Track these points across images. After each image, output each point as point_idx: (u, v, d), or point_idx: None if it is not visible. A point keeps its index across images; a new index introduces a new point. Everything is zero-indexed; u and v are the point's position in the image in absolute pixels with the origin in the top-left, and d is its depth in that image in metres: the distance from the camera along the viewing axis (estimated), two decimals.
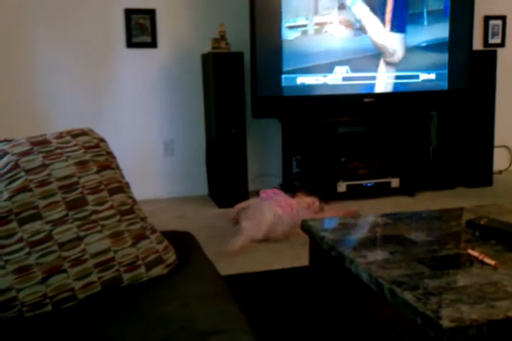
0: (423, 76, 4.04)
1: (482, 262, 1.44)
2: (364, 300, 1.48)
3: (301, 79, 3.84)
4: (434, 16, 3.95)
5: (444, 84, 4.10)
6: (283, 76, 3.80)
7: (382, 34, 3.87)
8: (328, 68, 3.86)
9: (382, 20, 3.86)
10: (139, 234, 1.46)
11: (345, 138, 4.01)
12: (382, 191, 4.03)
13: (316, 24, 3.79)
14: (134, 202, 1.53)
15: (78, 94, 3.90)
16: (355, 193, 3.97)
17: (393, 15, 3.85)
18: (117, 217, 1.44)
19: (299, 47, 3.79)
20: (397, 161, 4.11)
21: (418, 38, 3.95)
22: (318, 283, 1.82)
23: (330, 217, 2.91)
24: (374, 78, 3.96)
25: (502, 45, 4.67)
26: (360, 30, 3.84)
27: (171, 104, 4.09)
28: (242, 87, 3.78)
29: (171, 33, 4.00)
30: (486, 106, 4.27)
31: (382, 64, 3.95)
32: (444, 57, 4.05)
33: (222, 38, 3.79)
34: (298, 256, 2.84)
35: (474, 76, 4.18)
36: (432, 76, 4.06)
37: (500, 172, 4.67)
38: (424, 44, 3.96)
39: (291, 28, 3.75)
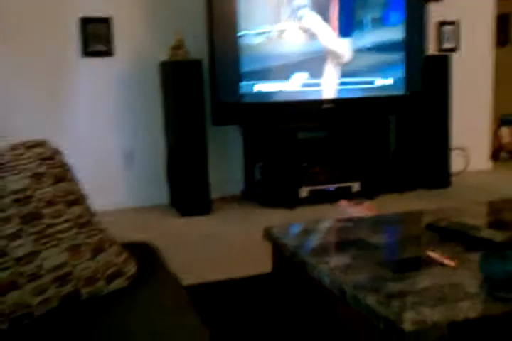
0: (379, 81, 4.10)
1: (442, 264, 1.46)
2: (328, 305, 1.48)
3: (259, 87, 3.84)
4: (376, 23, 4.03)
5: (400, 89, 4.17)
6: (241, 83, 3.80)
7: (332, 39, 3.95)
8: (286, 75, 3.88)
9: (332, 27, 3.93)
10: (97, 247, 1.43)
11: (305, 144, 4.03)
12: (344, 195, 4.05)
13: (274, 31, 3.81)
14: (92, 214, 1.50)
15: (34, 105, 3.82)
16: (318, 198, 3.99)
17: (340, 22, 3.94)
18: (74, 230, 1.41)
19: (256, 53, 3.80)
20: (358, 165, 4.15)
21: (363, 42, 4.01)
22: (281, 290, 1.81)
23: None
24: (331, 84, 4.00)
25: (455, 49, 4.78)
26: (314, 36, 3.90)
27: (130, 112, 4.04)
28: (202, 95, 3.76)
29: (128, 41, 3.96)
30: (441, 109, 4.36)
31: (337, 69, 3.99)
32: (396, 61, 4.11)
33: (180, 45, 3.77)
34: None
35: (429, 80, 4.25)
36: (388, 81, 4.12)
37: (458, 173, 4.76)
38: (368, 46, 4.02)
39: (249, 34, 3.76)
